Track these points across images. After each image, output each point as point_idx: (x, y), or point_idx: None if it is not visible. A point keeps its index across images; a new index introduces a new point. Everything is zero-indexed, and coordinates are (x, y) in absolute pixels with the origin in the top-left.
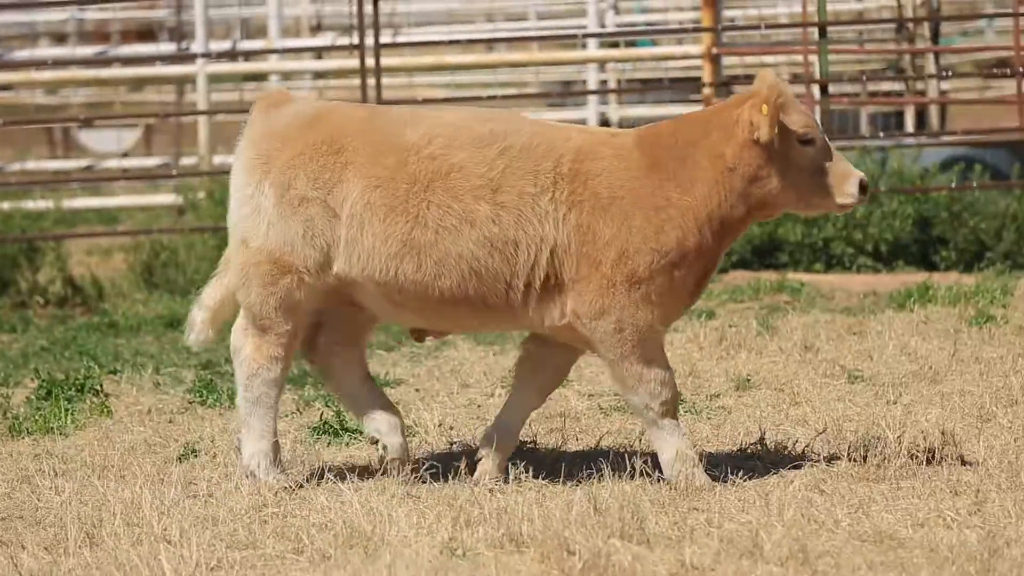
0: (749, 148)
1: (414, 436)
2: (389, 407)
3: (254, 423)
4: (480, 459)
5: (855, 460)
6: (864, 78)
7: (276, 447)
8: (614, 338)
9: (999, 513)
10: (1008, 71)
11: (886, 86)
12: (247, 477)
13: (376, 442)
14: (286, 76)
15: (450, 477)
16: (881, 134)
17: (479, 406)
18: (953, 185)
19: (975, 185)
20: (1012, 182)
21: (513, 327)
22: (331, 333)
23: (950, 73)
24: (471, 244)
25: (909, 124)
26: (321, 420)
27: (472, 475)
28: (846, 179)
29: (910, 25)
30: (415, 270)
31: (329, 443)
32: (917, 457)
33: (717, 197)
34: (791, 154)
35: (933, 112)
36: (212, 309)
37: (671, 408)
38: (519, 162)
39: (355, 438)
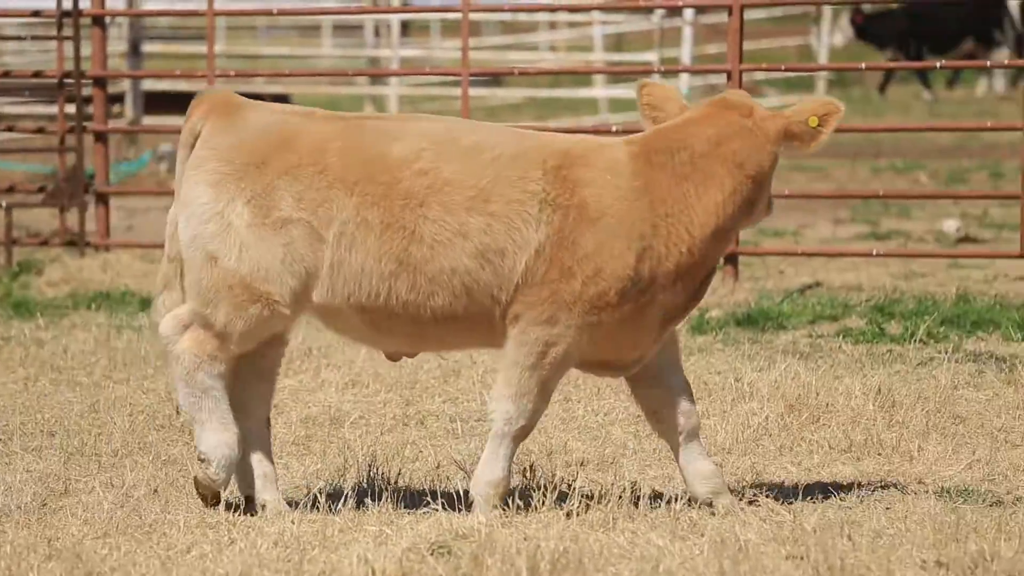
0: (768, 157)
1: None
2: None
3: (208, 416)
4: (708, 502)
5: None
6: None
7: (239, 438)
8: (538, 348)
9: None
10: None
11: None
12: (203, 467)
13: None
14: None
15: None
16: None
17: None
18: None
19: None
20: None
21: (486, 345)
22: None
23: None
24: (464, 257)
25: None
26: None
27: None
28: None
29: None
30: (408, 289)
31: None
32: None
33: (732, 207)
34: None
35: None
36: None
37: (522, 436)
38: (508, 170)
39: None
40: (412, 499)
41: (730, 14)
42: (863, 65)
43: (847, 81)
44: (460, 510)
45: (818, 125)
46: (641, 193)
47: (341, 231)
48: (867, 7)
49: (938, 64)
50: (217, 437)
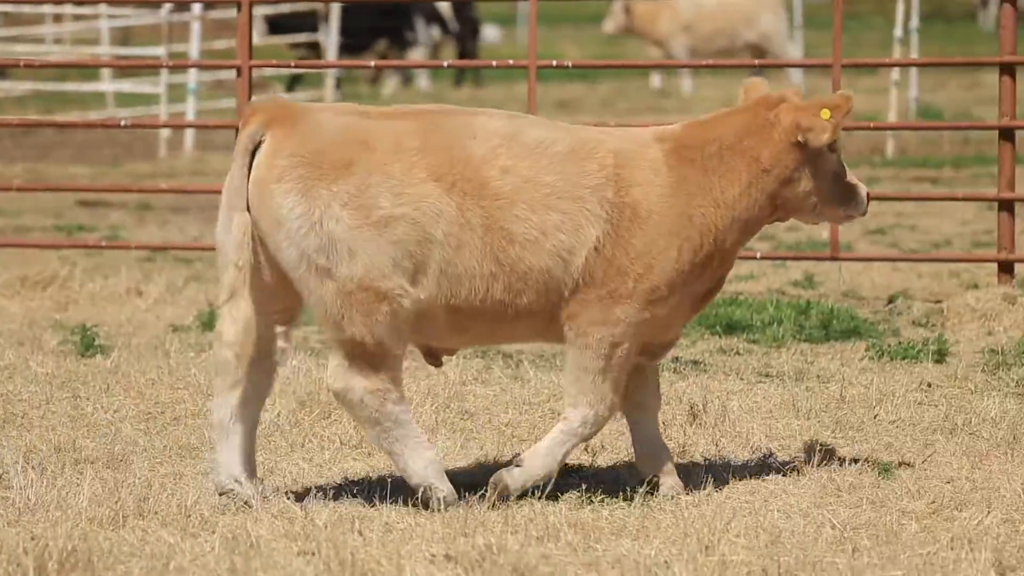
0: (788, 151)
1: None
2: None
3: (404, 445)
4: (657, 480)
5: None
6: None
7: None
8: (602, 349)
9: None
10: None
11: None
12: (424, 496)
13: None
14: None
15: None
16: None
17: None
18: None
19: None
20: None
21: (540, 339)
22: None
23: None
24: (545, 255)
25: None
26: None
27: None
28: (857, 189)
29: None
30: (504, 289)
31: None
32: None
33: (747, 199)
34: (820, 159)
35: None
36: (239, 344)
37: (590, 436)
38: (568, 166)
39: None
40: None
41: (239, 10)
42: (372, 63)
43: (356, 78)
44: None
45: (830, 116)
46: (678, 188)
47: (448, 231)
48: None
49: (445, 63)
50: (421, 460)
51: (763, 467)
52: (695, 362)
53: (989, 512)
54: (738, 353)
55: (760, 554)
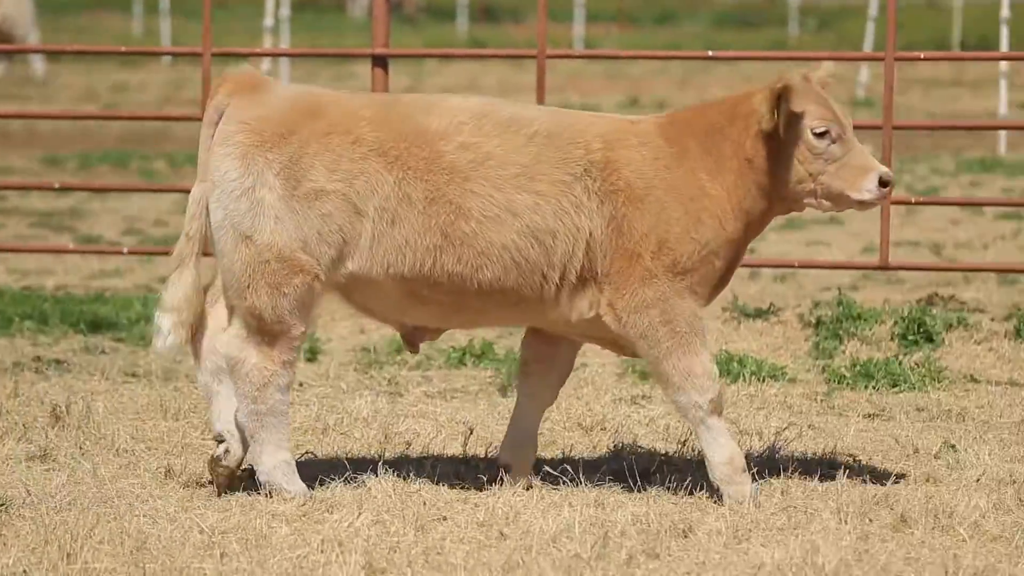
0: (761, 139)
1: None
2: None
3: (268, 436)
4: (507, 467)
5: None
6: None
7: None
8: (660, 331)
9: None
10: None
11: None
12: (270, 492)
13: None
14: None
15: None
16: None
17: None
18: None
19: None
20: None
21: (537, 321)
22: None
23: None
24: (514, 234)
25: None
26: None
27: (496, 483)
28: (865, 173)
29: None
30: (456, 262)
31: None
32: None
33: (742, 189)
34: (804, 146)
35: None
36: (178, 311)
37: (719, 405)
38: (548, 150)
39: None
40: None
41: None
42: None
43: None
44: None
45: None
46: (680, 159)
47: (383, 206)
48: None
49: None
50: (274, 459)
51: (131, 471)
52: (58, 361)
53: (360, 513)
54: (104, 352)
55: (125, 561)
